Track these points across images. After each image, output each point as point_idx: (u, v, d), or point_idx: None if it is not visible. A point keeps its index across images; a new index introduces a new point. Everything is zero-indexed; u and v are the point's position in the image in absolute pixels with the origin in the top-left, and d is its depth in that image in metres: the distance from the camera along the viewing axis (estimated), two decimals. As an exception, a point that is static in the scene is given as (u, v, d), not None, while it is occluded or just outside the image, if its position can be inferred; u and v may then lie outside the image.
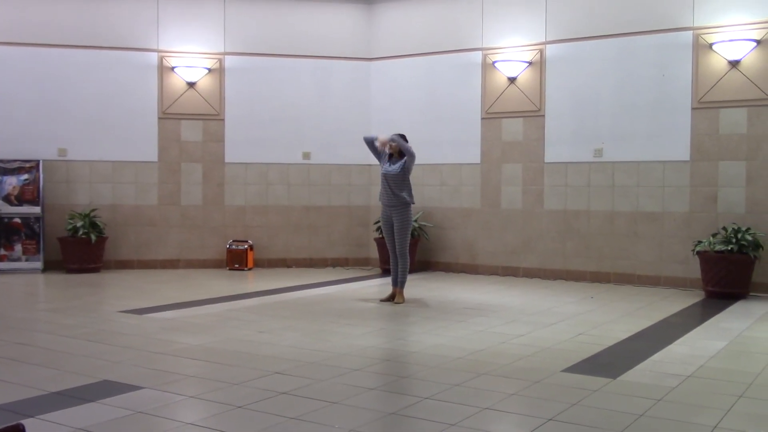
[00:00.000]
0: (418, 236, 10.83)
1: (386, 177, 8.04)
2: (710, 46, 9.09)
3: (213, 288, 9.21)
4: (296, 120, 11.43)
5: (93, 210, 10.62)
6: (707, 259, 8.62)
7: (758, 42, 8.83)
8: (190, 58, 11.05)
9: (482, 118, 10.75)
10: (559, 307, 7.95)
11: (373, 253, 11.37)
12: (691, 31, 9.24)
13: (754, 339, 6.41)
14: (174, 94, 11.08)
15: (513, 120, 10.52)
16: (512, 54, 10.44)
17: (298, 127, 11.44)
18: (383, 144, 8.10)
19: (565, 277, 10.12)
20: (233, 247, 11.07)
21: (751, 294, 8.67)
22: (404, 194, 7.99)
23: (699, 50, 9.20)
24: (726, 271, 8.47)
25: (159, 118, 11.06)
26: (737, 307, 7.95)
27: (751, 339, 6.41)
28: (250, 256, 11.08)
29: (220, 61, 11.19)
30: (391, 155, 8.12)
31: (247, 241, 11.15)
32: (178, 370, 5.18)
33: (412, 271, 10.77)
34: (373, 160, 11.33)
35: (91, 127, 10.88)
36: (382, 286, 9.36)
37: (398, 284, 8.15)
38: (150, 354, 5.65)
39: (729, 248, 8.44)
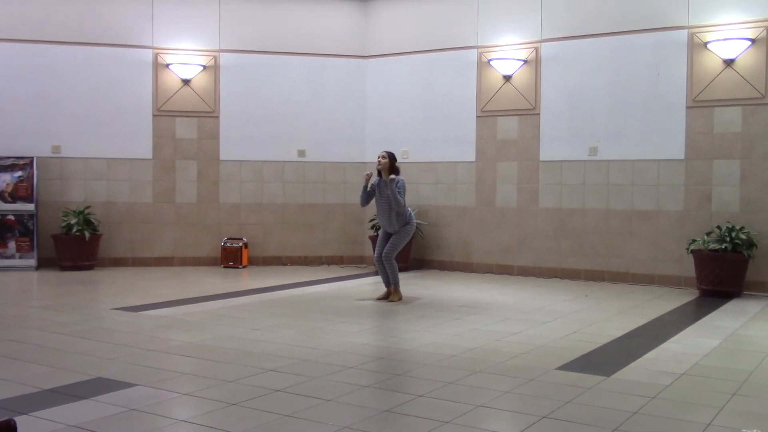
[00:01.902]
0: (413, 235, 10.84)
1: (380, 202, 8.00)
2: (705, 44, 9.10)
3: (207, 285, 9.20)
4: (291, 118, 11.42)
5: (87, 207, 10.59)
6: (701, 257, 8.64)
7: (753, 41, 8.84)
8: (185, 55, 11.02)
9: (477, 116, 10.75)
10: (553, 305, 7.96)
11: (368, 251, 11.35)
12: (686, 30, 9.25)
13: (748, 337, 6.43)
14: (169, 91, 11.05)
15: (508, 118, 10.52)
16: (508, 52, 10.44)
17: (293, 125, 11.43)
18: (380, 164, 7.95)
19: (559, 275, 10.13)
20: (228, 244, 11.05)
21: (744, 292, 8.69)
22: (404, 215, 7.98)
23: (694, 49, 9.21)
24: (720, 269, 8.49)
25: (154, 116, 11.04)
26: (731, 306, 7.97)
27: (744, 337, 6.42)
28: (245, 253, 11.07)
29: (215, 58, 11.16)
30: (380, 172, 8.04)
31: (241, 239, 11.13)
32: (172, 368, 5.17)
33: (407, 269, 10.79)
34: (368, 158, 11.39)
35: (86, 124, 10.85)
36: (377, 283, 9.33)
37: (393, 285, 8.13)
38: (144, 351, 5.63)
39: (723, 247, 8.45)
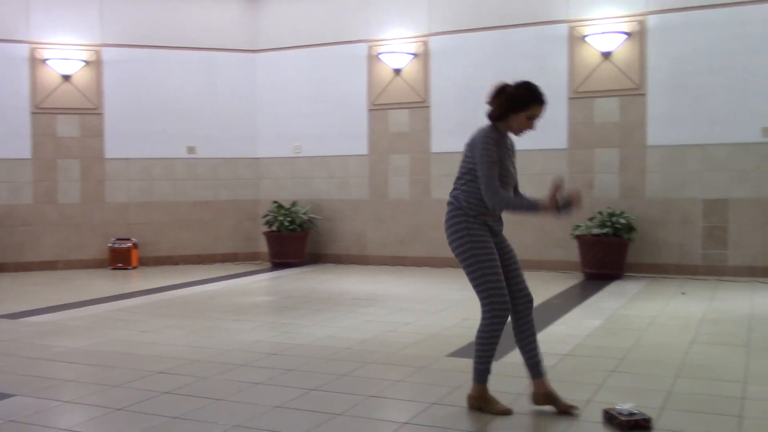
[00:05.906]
0: (308, 229, 10.80)
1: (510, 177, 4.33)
2: (584, 38, 9.46)
3: (94, 288, 8.87)
4: (180, 113, 11.12)
5: (-39, 211, 10.01)
6: (585, 242, 9.00)
7: (629, 34, 9.25)
8: (65, 50, 10.54)
9: (369, 110, 10.80)
10: (445, 294, 8.11)
11: (263, 247, 11.22)
12: (566, 24, 9.59)
13: (627, 317, 6.75)
14: (47, 87, 10.56)
15: (399, 111, 10.62)
16: (397, 46, 10.53)
17: (183, 121, 11.14)
18: None
19: (451, 264, 10.30)
20: (116, 245, 10.68)
21: (625, 274, 9.12)
22: None
23: (573, 42, 9.56)
24: (602, 253, 8.87)
25: (32, 113, 10.52)
26: (613, 287, 8.35)
27: (624, 317, 6.74)
28: (134, 254, 10.73)
29: (98, 53, 10.74)
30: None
31: (130, 239, 10.78)
32: (54, 375, 4.96)
33: (302, 264, 10.74)
34: (260, 153, 11.28)
35: (-43, 123, 10.24)
36: (272, 279, 9.29)
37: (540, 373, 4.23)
38: (23, 359, 5.38)
39: (604, 231, 8.83)
